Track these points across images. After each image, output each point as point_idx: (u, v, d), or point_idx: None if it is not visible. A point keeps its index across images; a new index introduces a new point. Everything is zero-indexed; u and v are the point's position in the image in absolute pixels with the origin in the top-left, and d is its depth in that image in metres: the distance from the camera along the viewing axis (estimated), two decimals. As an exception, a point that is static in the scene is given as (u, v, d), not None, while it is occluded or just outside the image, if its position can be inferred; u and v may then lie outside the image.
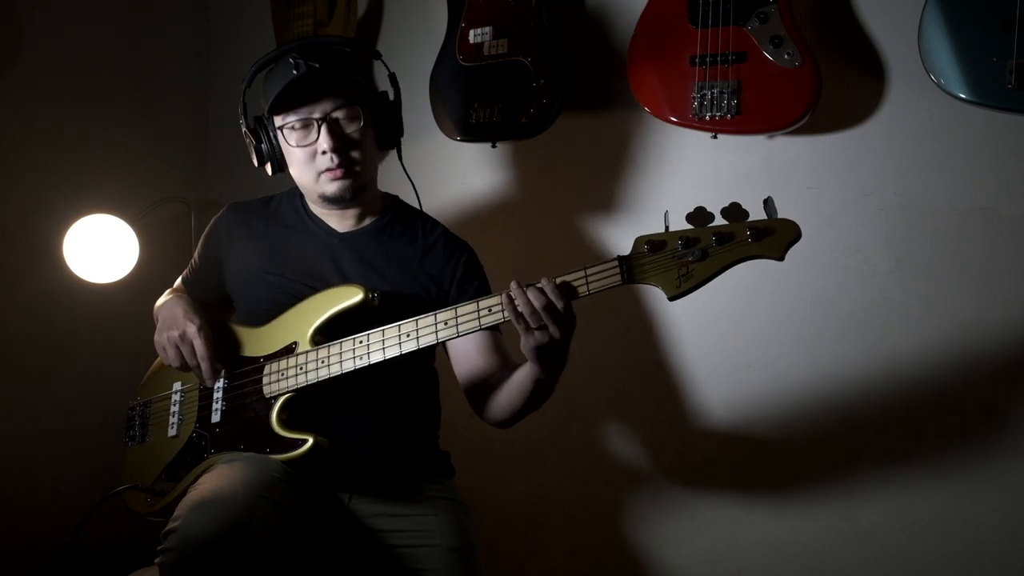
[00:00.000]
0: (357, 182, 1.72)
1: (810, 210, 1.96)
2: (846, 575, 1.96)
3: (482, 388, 1.71)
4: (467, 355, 1.74)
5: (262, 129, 1.75)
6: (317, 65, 1.66)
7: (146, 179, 2.58)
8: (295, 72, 1.65)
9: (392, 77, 1.81)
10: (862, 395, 1.95)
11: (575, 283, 1.46)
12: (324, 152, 1.67)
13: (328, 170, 1.69)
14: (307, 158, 1.70)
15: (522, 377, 1.58)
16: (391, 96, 1.80)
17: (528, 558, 2.31)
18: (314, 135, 1.68)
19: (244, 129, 1.79)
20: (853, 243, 1.96)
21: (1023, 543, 1.81)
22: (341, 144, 1.68)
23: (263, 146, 1.75)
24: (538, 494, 2.31)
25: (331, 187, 1.71)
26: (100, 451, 2.23)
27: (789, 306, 2.02)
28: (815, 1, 1.97)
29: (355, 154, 1.70)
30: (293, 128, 1.69)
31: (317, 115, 1.67)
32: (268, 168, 1.77)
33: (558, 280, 1.45)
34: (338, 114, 1.68)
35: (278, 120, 1.71)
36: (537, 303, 1.42)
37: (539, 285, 1.44)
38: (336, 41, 1.80)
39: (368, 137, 1.73)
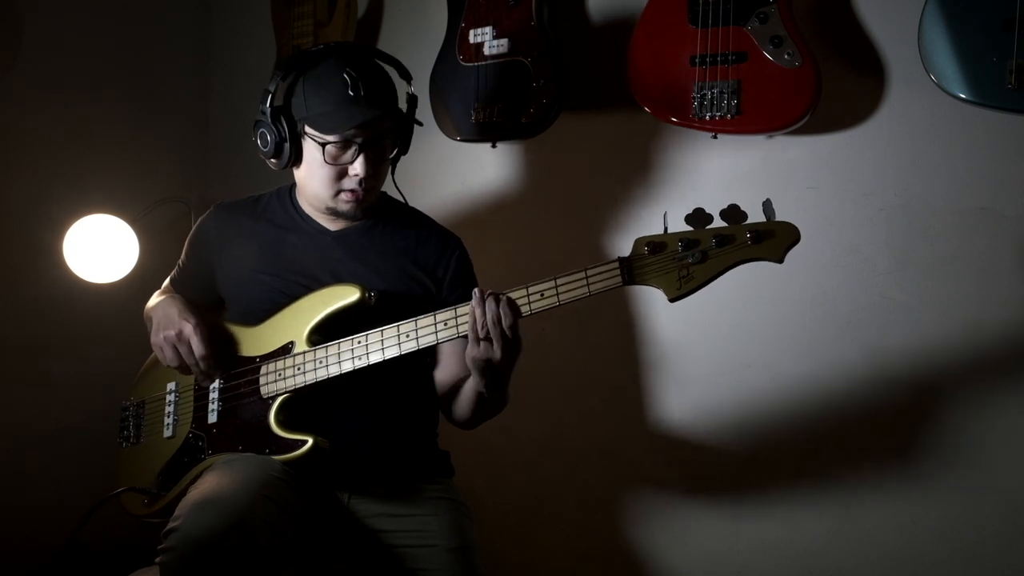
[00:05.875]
0: (368, 204, 1.74)
1: (810, 210, 1.96)
2: (846, 575, 1.96)
3: (449, 392, 1.75)
4: (445, 361, 1.77)
5: (285, 123, 1.70)
6: (374, 93, 1.65)
7: (146, 179, 2.58)
8: (351, 93, 1.63)
9: (413, 99, 1.80)
10: (862, 394, 1.95)
11: (574, 284, 1.47)
12: (355, 175, 1.67)
13: (352, 191, 1.69)
14: (334, 175, 1.68)
15: (468, 389, 1.67)
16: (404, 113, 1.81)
17: (528, 558, 2.31)
18: (349, 156, 1.67)
19: (262, 118, 1.71)
20: (853, 243, 1.96)
21: (1023, 544, 1.81)
22: (373, 171, 1.69)
23: (284, 143, 1.70)
24: (538, 494, 2.31)
25: (347, 207, 1.72)
26: (99, 451, 2.23)
27: (789, 306, 2.02)
28: (815, 1, 1.97)
29: (379, 180, 1.73)
30: (332, 145, 1.65)
31: (360, 140, 1.65)
32: (274, 163, 1.74)
33: (510, 294, 1.50)
34: (380, 142, 1.69)
35: (317, 134, 1.66)
36: (490, 314, 1.48)
37: (503, 297, 1.49)
38: (381, 58, 1.77)
39: (387, 163, 1.77)
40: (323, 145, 1.66)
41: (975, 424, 1.86)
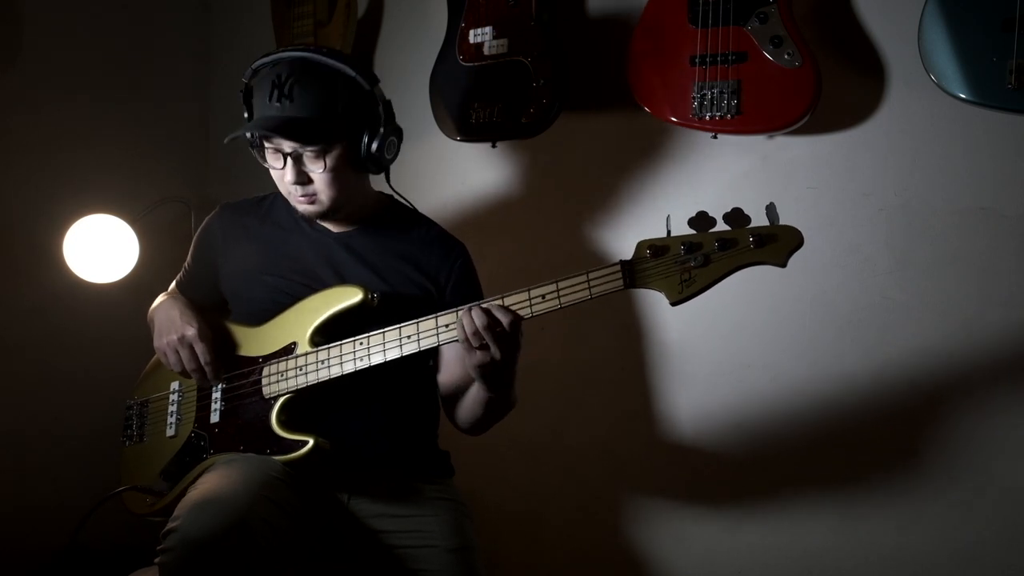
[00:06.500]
0: (322, 209, 1.70)
1: (810, 210, 1.96)
2: (846, 575, 1.96)
3: (454, 397, 1.74)
4: (446, 364, 1.76)
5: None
6: (290, 101, 1.60)
7: (146, 179, 2.58)
8: (268, 100, 1.61)
9: (387, 105, 1.71)
10: (862, 394, 1.95)
11: (575, 287, 1.47)
12: (287, 181, 1.67)
13: (294, 196, 1.69)
14: (279, 177, 1.70)
15: (474, 394, 1.66)
16: (382, 122, 1.69)
17: (528, 558, 2.31)
18: (282, 163, 1.66)
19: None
20: (853, 243, 1.96)
21: (1023, 544, 1.81)
22: (304, 179, 1.66)
23: (253, 143, 1.74)
24: (538, 494, 2.31)
25: (301, 208, 1.71)
26: (100, 451, 2.23)
27: (789, 306, 2.02)
28: (815, 1, 1.97)
29: (318, 188, 1.67)
30: (266, 150, 1.68)
31: (286, 149, 1.64)
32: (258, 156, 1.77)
33: (508, 298, 1.50)
34: (305, 152, 1.64)
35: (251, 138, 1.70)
36: (479, 322, 1.47)
37: (484, 305, 1.49)
38: (328, 64, 1.66)
39: (338, 171, 1.66)
40: (261, 150, 1.69)
41: (975, 424, 1.86)
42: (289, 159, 1.65)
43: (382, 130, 1.69)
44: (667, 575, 2.15)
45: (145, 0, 2.67)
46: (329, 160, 1.64)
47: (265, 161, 1.70)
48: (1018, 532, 1.81)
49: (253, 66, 1.72)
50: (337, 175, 1.67)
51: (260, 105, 1.65)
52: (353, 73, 1.66)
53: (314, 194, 1.68)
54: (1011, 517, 1.82)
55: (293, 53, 1.67)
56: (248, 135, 1.70)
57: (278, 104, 1.61)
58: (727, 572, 2.08)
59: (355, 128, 1.68)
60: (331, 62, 1.66)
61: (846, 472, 1.97)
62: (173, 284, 1.96)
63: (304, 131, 1.62)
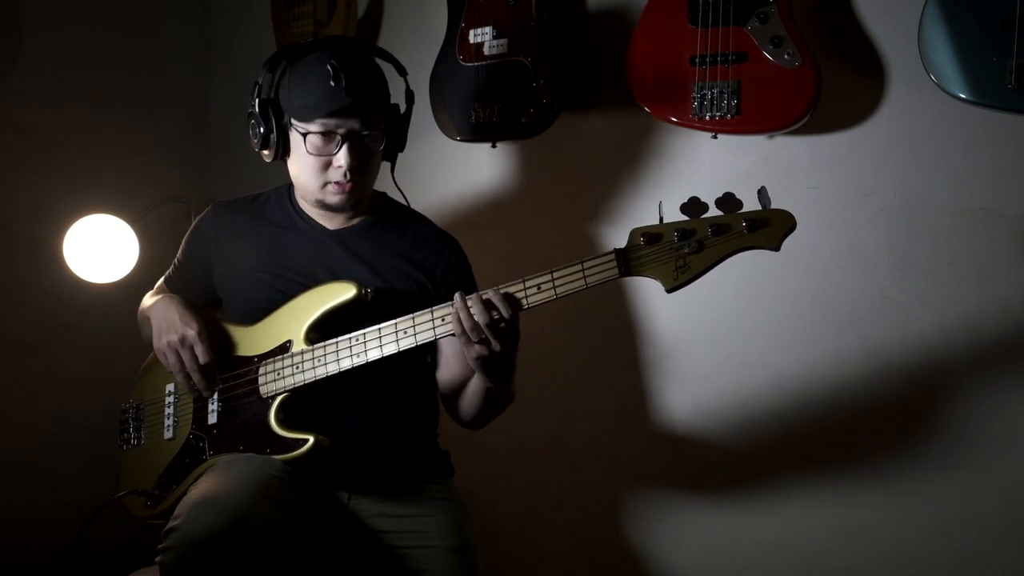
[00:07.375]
0: (359, 195, 1.73)
1: (810, 210, 1.96)
2: (846, 575, 1.96)
3: (455, 393, 1.74)
4: (446, 361, 1.76)
5: (272, 115, 1.71)
6: (356, 82, 1.63)
7: (146, 179, 2.58)
8: (332, 83, 1.62)
9: (409, 94, 1.80)
10: (862, 394, 1.95)
11: (571, 277, 1.47)
12: (339, 167, 1.66)
13: (337, 183, 1.68)
14: (319, 167, 1.68)
15: (475, 386, 1.66)
16: (402, 110, 1.79)
17: (528, 558, 2.31)
18: (334, 148, 1.66)
19: (252, 109, 1.73)
20: (853, 243, 1.96)
21: (1023, 544, 1.81)
22: (359, 163, 1.68)
23: (271, 134, 1.71)
24: (538, 494, 2.31)
25: (335, 199, 1.71)
26: (100, 451, 2.23)
27: (789, 306, 2.02)
28: (815, 1, 1.97)
29: (368, 173, 1.72)
30: (314, 135, 1.66)
31: (343, 130, 1.65)
32: (267, 154, 1.75)
33: (503, 290, 1.50)
34: (364, 133, 1.67)
35: (299, 124, 1.67)
36: (477, 316, 1.46)
37: (485, 297, 1.48)
38: (370, 51, 1.76)
39: (380, 155, 1.75)
40: (304, 135, 1.66)
41: (975, 424, 1.86)
42: (346, 144, 1.65)
43: (408, 117, 1.80)
44: (667, 575, 2.15)
45: (145, 0, 2.67)
46: (384, 142, 1.72)
47: (306, 149, 1.66)
48: (1018, 532, 1.81)
49: (280, 56, 1.72)
50: (379, 160, 1.76)
51: (317, 90, 1.64)
52: (388, 62, 1.77)
53: (361, 178, 1.70)
54: (1011, 517, 1.82)
55: (333, 42, 1.73)
56: (279, 114, 1.70)
57: (345, 86, 1.63)
58: (727, 572, 2.08)
59: (392, 114, 1.76)
60: (368, 50, 1.76)
61: (846, 471, 1.97)
62: (161, 281, 1.95)
63: (376, 110, 1.70)
